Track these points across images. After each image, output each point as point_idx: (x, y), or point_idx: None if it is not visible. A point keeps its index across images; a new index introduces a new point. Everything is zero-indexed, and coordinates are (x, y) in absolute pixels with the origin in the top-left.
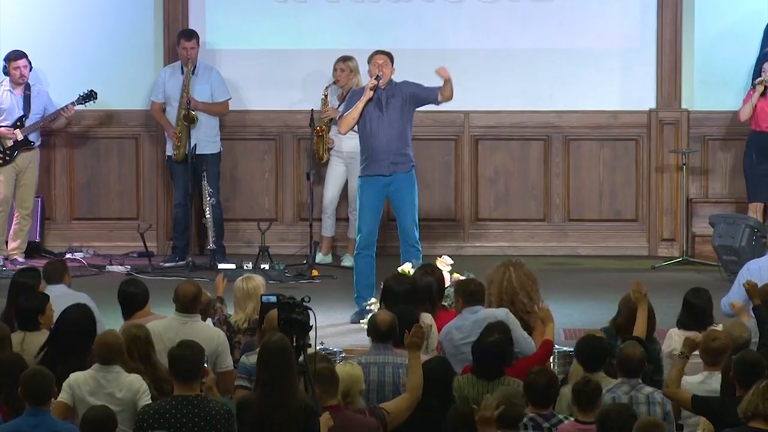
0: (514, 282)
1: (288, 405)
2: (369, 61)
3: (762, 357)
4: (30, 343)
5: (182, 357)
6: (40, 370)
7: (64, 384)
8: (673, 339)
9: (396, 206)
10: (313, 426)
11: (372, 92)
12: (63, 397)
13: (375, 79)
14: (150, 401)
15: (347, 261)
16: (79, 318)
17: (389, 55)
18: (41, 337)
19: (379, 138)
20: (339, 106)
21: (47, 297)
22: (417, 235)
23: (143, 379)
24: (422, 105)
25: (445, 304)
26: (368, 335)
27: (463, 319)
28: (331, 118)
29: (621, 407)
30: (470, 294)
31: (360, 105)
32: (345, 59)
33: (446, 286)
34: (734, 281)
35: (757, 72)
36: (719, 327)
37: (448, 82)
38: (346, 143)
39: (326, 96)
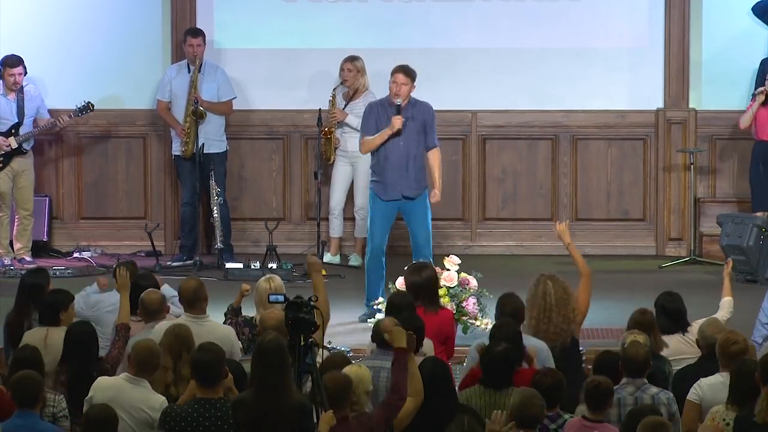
0: (552, 299)
1: (282, 404)
2: (391, 75)
3: None
4: (53, 338)
5: (204, 361)
6: (28, 374)
7: (92, 387)
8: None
9: (409, 224)
10: (307, 424)
11: (398, 127)
12: (88, 399)
13: (398, 114)
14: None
15: (355, 260)
16: (84, 336)
17: (411, 74)
18: (62, 332)
19: (392, 161)
20: (345, 106)
21: (71, 295)
22: (430, 248)
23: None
24: None
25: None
26: (372, 341)
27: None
28: (339, 121)
29: (647, 409)
30: (508, 315)
31: (385, 136)
32: (352, 59)
33: (453, 285)
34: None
35: (761, 77)
36: (694, 327)
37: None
38: (351, 143)
39: (334, 97)
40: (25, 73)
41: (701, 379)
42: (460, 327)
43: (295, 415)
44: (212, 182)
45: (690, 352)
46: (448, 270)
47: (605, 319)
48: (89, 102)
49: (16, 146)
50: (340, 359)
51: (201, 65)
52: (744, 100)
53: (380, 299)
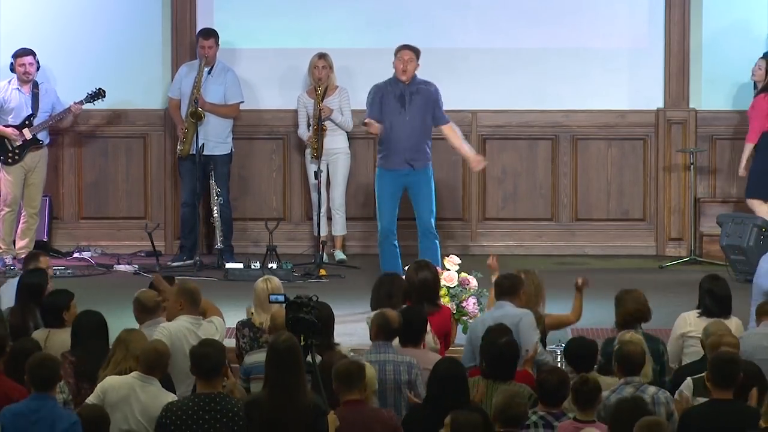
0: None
1: (296, 404)
2: (395, 54)
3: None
4: (54, 340)
5: (205, 355)
6: (46, 356)
7: (97, 386)
8: (689, 322)
9: (414, 198)
10: (321, 425)
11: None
12: (92, 398)
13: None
14: None
15: (338, 255)
16: (94, 325)
17: (415, 51)
18: (65, 334)
19: (397, 133)
20: (320, 103)
21: (72, 294)
22: (433, 222)
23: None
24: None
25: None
26: (374, 333)
27: (488, 314)
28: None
29: (635, 401)
30: (499, 287)
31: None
32: (323, 56)
33: (453, 285)
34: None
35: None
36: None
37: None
38: (329, 140)
39: (320, 95)
40: (38, 66)
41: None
42: (460, 327)
43: (308, 416)
44: (212, 182)
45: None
46: (449, 270)
47: (605, 320)
48: (100, 88)
49: (30, 137)
50: (338, 359)
51: (212, 66)
52: (744, 99)
53: None
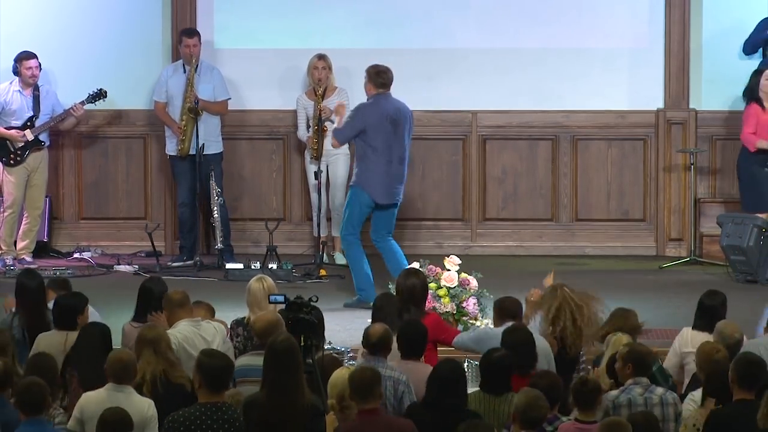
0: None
1: (294, 404)
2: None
3: (761, 357)
4: (73, 342)
5: (212, 366)
6: (34, 381)
7: (75, 408)
8: (684, 337)
9: None
10: (319, 425)
11: None
12: (72, 424)
13: None
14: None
15: (340, 259)
16: (97, 335)
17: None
18: None
19: None
20: (320, 104)
21: (86, 298)
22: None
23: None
24: None
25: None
26: (363, 346)
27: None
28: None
29: (647, 415)
30: (504, 309)
31: None
32: (322, 57)
33: (453, 285)
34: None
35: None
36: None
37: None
38: (329, 141)
39: (321, 96)
40: (40, 68)
41: (690, 392)
42: (460, 327)
43: (306, 416)
44: (212, 182)
45: None
46: (449, 270)
47: (603, 320)
48: (101, 89)
49: (32, 138)
50: (329, 360)
51: (197, 65)
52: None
53: None
